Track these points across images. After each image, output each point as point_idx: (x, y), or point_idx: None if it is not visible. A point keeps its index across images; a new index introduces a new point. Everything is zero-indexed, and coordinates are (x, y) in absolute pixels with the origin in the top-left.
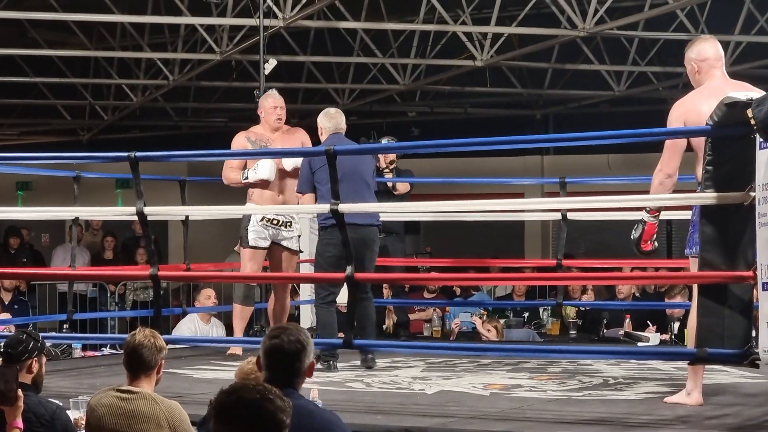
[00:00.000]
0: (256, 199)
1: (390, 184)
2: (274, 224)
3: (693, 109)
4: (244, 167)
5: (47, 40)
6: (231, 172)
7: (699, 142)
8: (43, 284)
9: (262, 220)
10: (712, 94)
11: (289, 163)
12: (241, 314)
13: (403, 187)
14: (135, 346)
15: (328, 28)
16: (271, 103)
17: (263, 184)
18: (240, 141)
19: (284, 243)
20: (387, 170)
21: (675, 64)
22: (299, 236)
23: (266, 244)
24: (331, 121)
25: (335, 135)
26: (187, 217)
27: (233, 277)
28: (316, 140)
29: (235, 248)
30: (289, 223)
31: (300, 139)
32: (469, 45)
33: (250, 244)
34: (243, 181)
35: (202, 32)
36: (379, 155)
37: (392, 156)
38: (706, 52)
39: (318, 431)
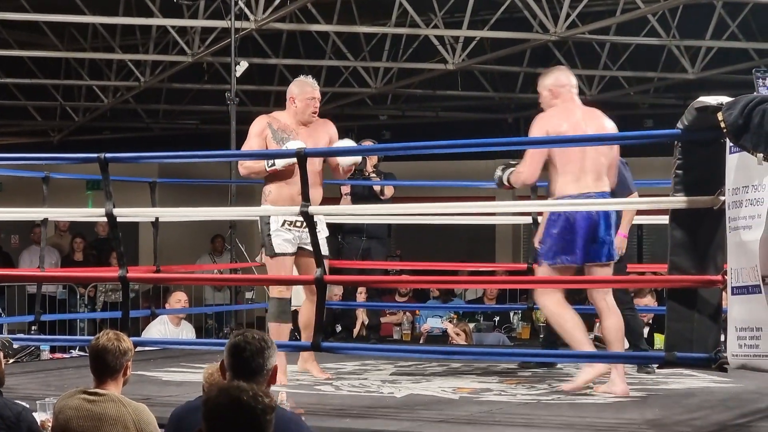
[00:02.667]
0: (274, 198)
1: (377, 189)
2: (297, 226)
3: (553, 126)
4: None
5: (18, 41)
6: (249, 162)
7: (560, 155)
8: (12, 286)
9: (284, 224)
10: (569, 114)
11: (347, 161)
12: (278, 333)
13: (389, 191)
14: (99, 350)
15: (300, 31)
16: (310, 93)
17: (284, 178)
18: (260, 126)
19: (308, 247)
20: (373, 174)
21: (646, 68)
22: (326, 237)
23: (293, 249)
24: None
25: None
26: (157, 218)
27: (203, 279)
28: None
29: (257, 258)
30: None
31: (329, 133)
32: (441, 48)
33: (276, 251)
34: (268, 170)
35: (173, 34)
36: (367, 159)
37: (374, 159)
38: (563, 80)
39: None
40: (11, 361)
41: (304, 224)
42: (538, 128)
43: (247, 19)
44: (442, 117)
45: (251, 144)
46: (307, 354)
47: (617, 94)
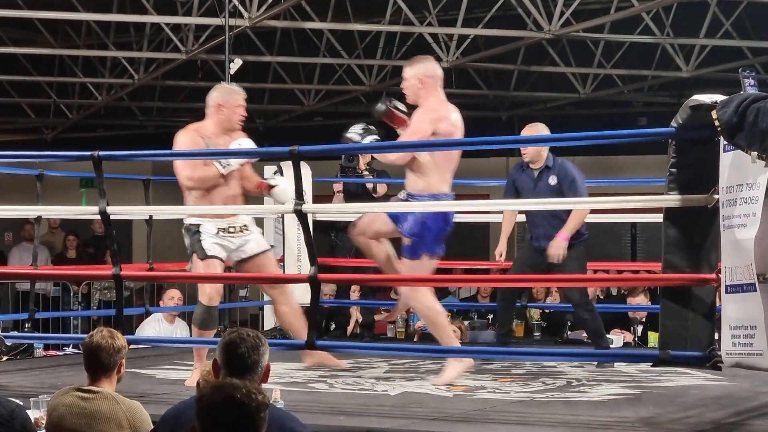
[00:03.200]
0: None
1: (370, 186)
2: (230, 233)
3: (445, 117)
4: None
5: (12, 38)
6: (201, 170)
7: (445, 154)
8: (5, 283)
9: (217, 233)
10: (447, 108)
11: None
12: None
13: (382, 188)
14: (93, 347)
15: (294, 29)
16: (238, 100)
17: (207, 190)
18: (191, 138)
19: (245, 255)
20: (366, 172)
21: (640, 66)
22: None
23: (224, 255)
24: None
25: None
26: (151, 216)
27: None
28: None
29: (187, 267)
30: (244, 227)
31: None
32: (435, 46)
33: (207, 254)
34: (224, 173)
35: (167, 31)
36: (360, 157)
37: (369, 157)
38: (434, 71)
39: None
40: (5, 358)
41: (239, 230)
42: (429, 121)
43: (241, 16)
44: None
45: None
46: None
47: (611, 92)
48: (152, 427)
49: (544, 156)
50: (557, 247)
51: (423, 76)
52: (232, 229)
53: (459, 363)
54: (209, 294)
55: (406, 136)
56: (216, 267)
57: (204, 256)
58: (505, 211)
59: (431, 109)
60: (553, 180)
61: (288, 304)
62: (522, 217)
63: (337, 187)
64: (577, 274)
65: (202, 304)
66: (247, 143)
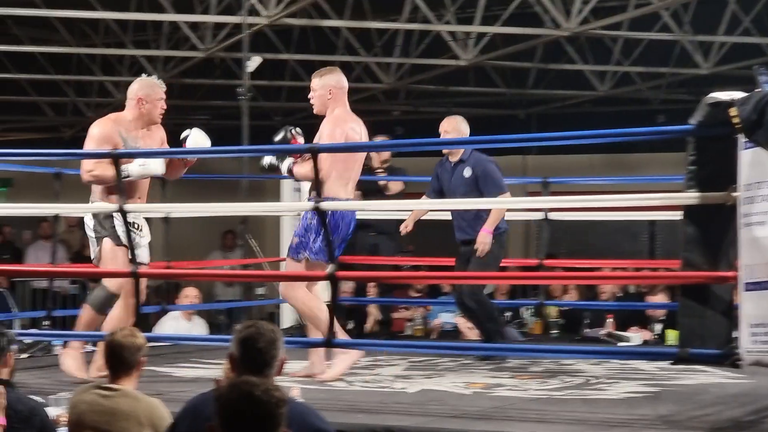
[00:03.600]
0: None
1: (382, 184)
2: (135, 229)
3: (349, 129)
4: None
5: (30, 37)
6: (102, 168)
7: (345, 161)
8: (23, 281)
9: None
10: (353, 117)
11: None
12: (90, 321)
13: (395, 186)
14: (115, 346)
15: (311, 26)
16: (160, 94)
17: (127, 187)
18: (107, 130)
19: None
20: (380, 170)
21: (659, 64)
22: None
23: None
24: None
25: None
26: (168, 214)
27: (214, 275)
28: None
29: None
30: (141, 227)
31: (160, 136)
32: (452, 44)
33: (122, 241)
34: (130, 179)
35: (185, 29)
36: (373, 155)
37: (386, 155)
38: (343, 83)
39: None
40: (24, 356)
41: (139, 228)
42: (339, 130)
43: (259, 14)
44: (454, 113)
45: (96, 146)
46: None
47: (629, 90)
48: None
49: (461, 149)
50: (482, 242)
51: (332, 87)
52: (137, 225)
53: (347, 357)
54: (120, 284)
55: (327, 157)
56: (124, 255)
57: (118, 243)
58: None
59: (339, 119)
60: (467, 172)
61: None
62: (539, 215)
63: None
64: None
65: (107, 288)
66: (198, 135)
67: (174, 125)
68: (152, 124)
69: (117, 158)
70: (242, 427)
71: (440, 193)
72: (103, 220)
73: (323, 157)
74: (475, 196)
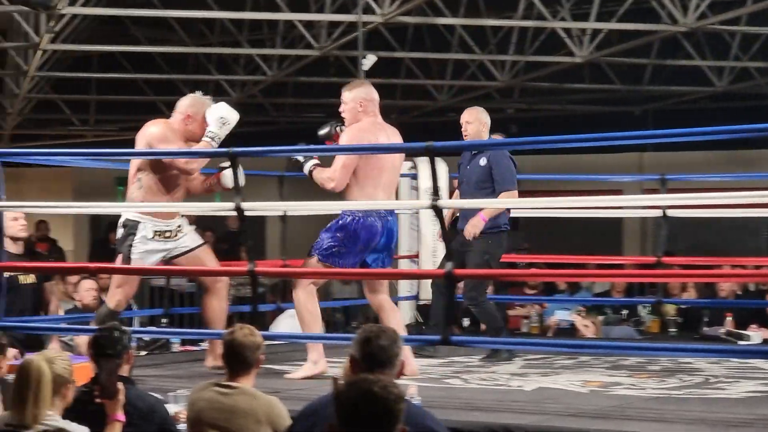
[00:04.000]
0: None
1: None
2: (166, 237)
3: (367, 138)
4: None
5: (147, 37)
6: (194, 163)
7: (364, 166)
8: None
9: (154, 236)
10: (379, 128)
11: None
12: None
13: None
14: (235, 345)
15: (426, 24)
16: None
17: (164, 191)
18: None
19: (187, 247)
20: None
21: None
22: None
23: (153, 261)
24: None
25: None
26: (285, 212)
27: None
28: None
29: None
30: (179, 229)
31: None
32: (568, 41)
33: (132, 259)
34: (209, 186)
35: (300, 28)
36: None
37: None
38: (373, 95)
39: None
40: (143, 353)
41: (174, 234)
42: (354, 140)
43: (373, 12)
44: (569, 110)
45: (179, 144)
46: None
47: (748, 85)
48: (289, 422)
49: (484, 138)
50: (473, 225)
51: (362, 100)
52: (168, 233)
53: (314, 367)
54: (118, 301)
55: (339, 161)
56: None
57: (126, 261)
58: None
59: (360, 129)
60: (483, 161)
61: (222, 299)
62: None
63: (455, 183)
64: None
65: (108, 306)
66: (223, 108)
67: (288, 123)
68: (193, 141)
69: (235, 156)
70: (361, 425)
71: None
72: (127, 234)
73: (340, 164)
74: (488, 185)
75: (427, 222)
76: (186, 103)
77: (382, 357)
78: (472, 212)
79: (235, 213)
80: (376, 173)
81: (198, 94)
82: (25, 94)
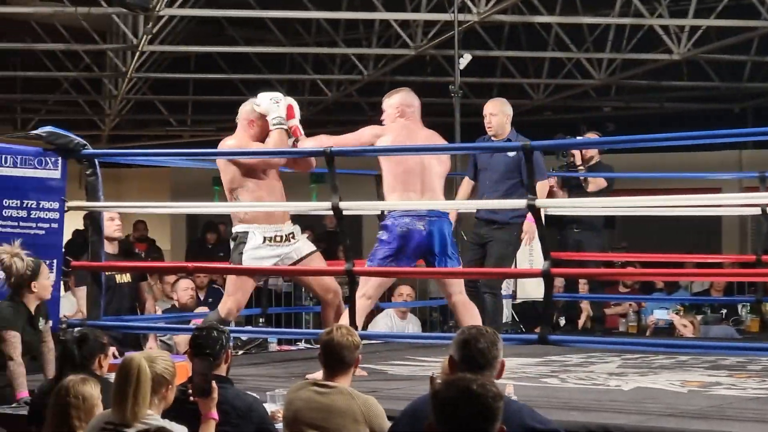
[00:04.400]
0: (252, 216)
1: (582, 180)
2: (277, 242)
3: (401, 140)
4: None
5: (244, 38)
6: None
7: (394, 168)
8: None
9: (264, 241)
10: (411, 133)
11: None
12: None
13: (594, 184)
14: (334, 345)
15: (522, 23)
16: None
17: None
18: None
19: (301, 254)
20: (580, 167)
21: None
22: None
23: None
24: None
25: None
26: (382, 211)
27: (428, 273)
28: None
29: None
30: (291, 235)
31: None
32: (665, 38)
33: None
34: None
35: (396, 27)
36: (576, 152)
37: (592, 152)
38: (410, 100)
39: (510, 419)
40: (240, 352)
41: (286, 239)
42: (370, 134)
43: (469, 11)
44: (667, 108)
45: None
46: None
47: None
48: (387, 422)
49: (507, 130)
50: (528, 230)
51: (399, 105)
52: (279, 238)
53: None
54: (229, 309)
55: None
56: (247, 284)
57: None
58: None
59: (387, 129)
60: (511, 152)
61: (337, 308)
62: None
63: (551, 181)
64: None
65: (219, 313)
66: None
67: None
68: (261, 141)
69: (332, 156)
70: (460, 423)
71: (476, 171)
72: (236, 246)
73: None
74: (516, 177)
75: None
76: (246, 110)
77: (482, 359)
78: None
79: (332, 212)
80: (404, 176)
81: (254, 99)
82: (124, 95)
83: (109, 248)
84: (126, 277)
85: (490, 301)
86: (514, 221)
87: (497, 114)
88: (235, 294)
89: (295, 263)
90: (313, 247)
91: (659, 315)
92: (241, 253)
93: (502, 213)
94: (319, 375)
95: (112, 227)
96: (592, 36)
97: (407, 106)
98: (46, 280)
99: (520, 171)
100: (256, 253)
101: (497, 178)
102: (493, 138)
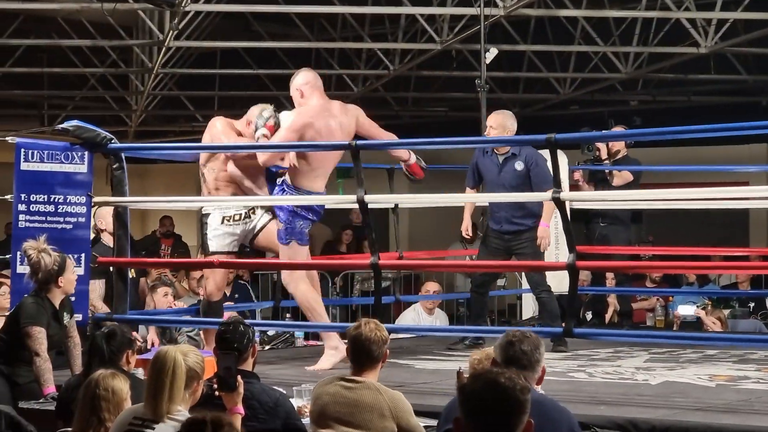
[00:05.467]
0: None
1: (607, 173)
2: (236, 221)
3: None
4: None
5: (270, 33)
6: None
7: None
8: (264, 274)
9: (223, 221)
10: (323, 109)
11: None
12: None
13: (619, 177)
14: (362, 340)
15: (548, 17)
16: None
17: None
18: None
19: (259, 226)
20: (606, 160)
21: None
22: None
23: (231, 246)
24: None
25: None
26: (396, 205)
27: (454, 266)
28: None
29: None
30: (252, 211)
31: None
32: (692, 31)
33: (211, 250)
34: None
35: (422, 22)
36: (600, 146)
37: (618, 146)
38: (307, 78)
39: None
40: (267, 347)
41: (244, 216)
42: (300, 124)
43: (495, 5)
44: (694, 101)
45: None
46: None
47: None
48: (414, 417)
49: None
50: (543, 236)
51: (301, 86)
52: (237, 217)
53: (337, 353)
54: (209, 291)
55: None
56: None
57: (206, 254)
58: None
59: (300, 113)
60: (519, 165)
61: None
62: None
63: (576, 175)
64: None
65: (204, 299)
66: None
67: (411, 117)
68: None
69: (357, 149)
70: (487, 416)
71: (479, 186)
72: (203, 228)
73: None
74: (527, 189)
75: None
76: (254, 113)
77: (524, 361)
78: (506, 214)
79: (356, 206)
80: (318, 162)
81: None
82: (150, 91)
83: (111, 242)
84: (132, 273)
85: (547, 299)
86: (535, 225)
87: (496, 128)
88: (209, 276)
89: (256, 234)
90: (269, 215)
91: (685, 311)
92: (206, 234)
93: (526, 219)
94: (319, 366)
95: None
96: (619, 30)
97: (305, 83)
98: (71, 275)
99: (530, 183)
100: (216, 233)
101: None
102: (494, 150)
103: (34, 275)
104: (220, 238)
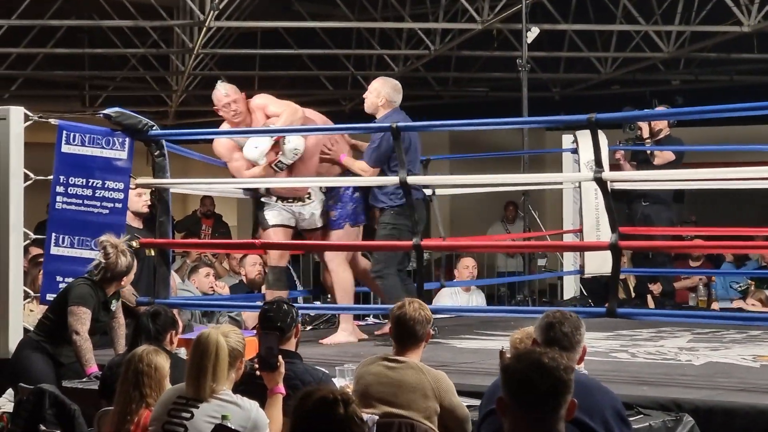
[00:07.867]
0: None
1: (649, 153)
2: (289, 201)
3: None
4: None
5: (310, 13)
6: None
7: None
8: (306, 255)
9: (278, 200)
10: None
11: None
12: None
13: (660, 157)
14: (406, 320)
15: None
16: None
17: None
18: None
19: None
20: (648, 139)
21: None
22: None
23: (291, 221)
24: (397, 95)
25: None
26: (433, 192)
27: (494, 246)
28: None
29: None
30: (308, 195)
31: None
32: (735, 10)
33: (270, 223)
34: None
35: (463, 2)
36: (643, 125)
37: (661, 125)
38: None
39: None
40: (308, 328)
41: (296, 199)
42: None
43: None
44: (736, 81)
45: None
46: None
47: None
48: (457, 397)
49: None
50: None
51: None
52: (291, 199)
53: (352, 332)
54: (275, 256)
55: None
56: (280, 235)
57: (265, 227)
58: None
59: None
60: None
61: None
62: None
63: (617, 155)
64: None
65: (270, 266)
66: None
67: (451, 97)
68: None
69: (398, 131)
70: (532, 396)
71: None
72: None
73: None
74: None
75: (589, 195)
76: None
77: (565, 343)
78: None
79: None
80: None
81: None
82: (191, 71)
83: (135, 223)
84: (152, 251)
85: (380, 285)
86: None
87: (371, 92)
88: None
89: (305, 220)
90: (321, 206)
91: (723, 304)
92: (261, 211)
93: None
94: (334, 339)
95: (140, 203)
96: (661, 8)
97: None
98: (132, 276)
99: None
100: (273, 209)
101: None
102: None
103: (103, 271)
104: (276, 212)
